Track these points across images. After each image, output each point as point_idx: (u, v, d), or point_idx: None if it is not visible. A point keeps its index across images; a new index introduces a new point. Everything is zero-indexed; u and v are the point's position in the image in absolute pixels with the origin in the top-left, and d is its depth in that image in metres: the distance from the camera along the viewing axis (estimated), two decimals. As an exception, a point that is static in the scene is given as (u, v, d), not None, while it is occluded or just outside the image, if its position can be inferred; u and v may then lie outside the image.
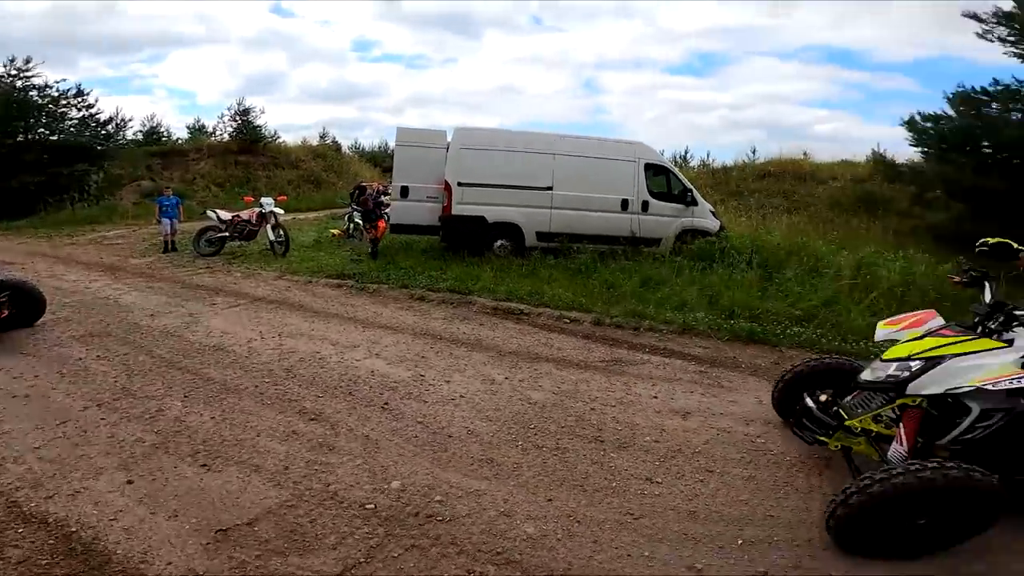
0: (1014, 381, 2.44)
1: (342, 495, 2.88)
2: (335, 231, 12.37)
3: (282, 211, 10.58)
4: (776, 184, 16.79)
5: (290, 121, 67.23)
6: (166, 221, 10.88)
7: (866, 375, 2.83)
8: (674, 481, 3.10)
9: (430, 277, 7.76)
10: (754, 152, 19.98)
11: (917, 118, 10.00)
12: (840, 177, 16.41)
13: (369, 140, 42.75)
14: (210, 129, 26.37)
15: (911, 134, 10.21)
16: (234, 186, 21.20)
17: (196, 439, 3.42)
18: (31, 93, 19.63)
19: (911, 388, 2.62)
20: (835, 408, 2.96)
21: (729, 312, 6.32)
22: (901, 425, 2.70)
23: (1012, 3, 8.98)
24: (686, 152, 20.46)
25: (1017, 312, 2.63)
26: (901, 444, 2.66)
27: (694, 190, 9.49)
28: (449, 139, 9.30)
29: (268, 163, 24.00)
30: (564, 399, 4.16)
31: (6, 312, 5.25)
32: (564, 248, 8.85)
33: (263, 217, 10.26)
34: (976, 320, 2.77)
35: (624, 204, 9.14)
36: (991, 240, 2.96)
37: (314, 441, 3.44)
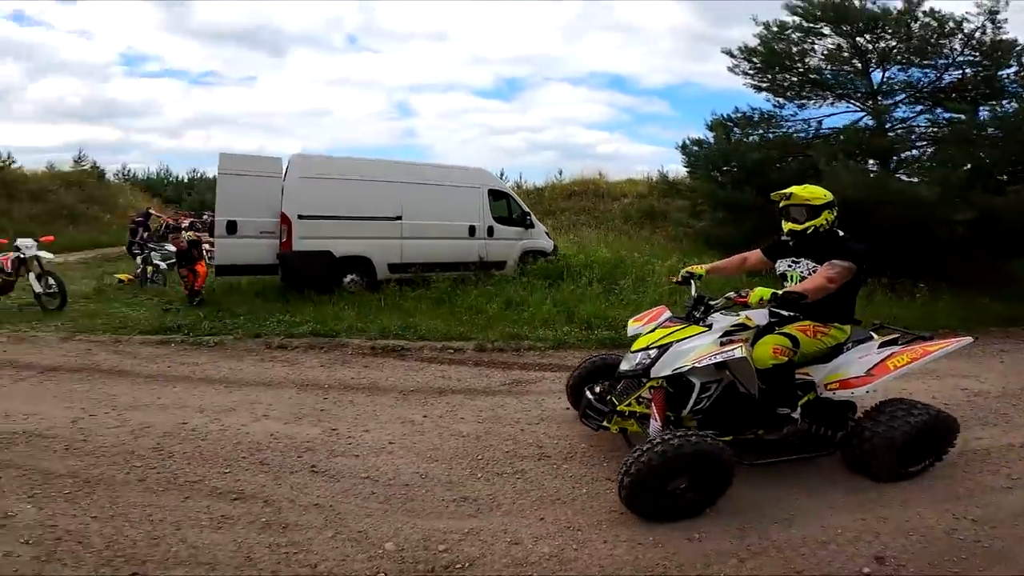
0: (715, 357, 2.96)
1: (341, 573, 2.47)
2: (123, 276, 10.17)
3: (49, 255, 8.36)
4: (580, 202, 18.88)
5: (23, 143, 53.36)
6: None
7: (623, 366, 3.27)
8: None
9: (281, 322, 6.93)
10: (560, 173, 22.25)
11: (688, 142, 12.24)
12: (628, 194, 19.18)
13: (141, 165, 36.02)
14: None
15: (683, 156, 12.42)
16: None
17: (94, 542, 2.60)
18: None
19: (653, 372, 3.07)
20: (609, 396, 3.40)
21: (587, 324, 6.96)
22: (652, 404, 3.19)
23: (757, 40, 11.47)
24: (502, 174, 21.67)
25: (711, 302, 3.26)
26: (656, 420, 3.13)
27: (531, 213, 10.22)
28: (284, 167, 8.48)
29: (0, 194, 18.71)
30: (492, 426, 4.12)
31: None
32: (417, 278, 8.73)
33: (21, 263, 7.99)
34: (687, 312, 3.34)
35: (472, 230, 9.39)
36: (683, 272, 3.72)
37: (258, 522, 2.84)
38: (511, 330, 6.59)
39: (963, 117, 9.69)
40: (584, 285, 8.48)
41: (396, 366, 5.64)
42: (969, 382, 5.47)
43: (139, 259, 10.12)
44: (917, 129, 11.02)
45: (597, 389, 3.48)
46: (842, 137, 10.81)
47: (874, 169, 10.48)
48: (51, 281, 7.98)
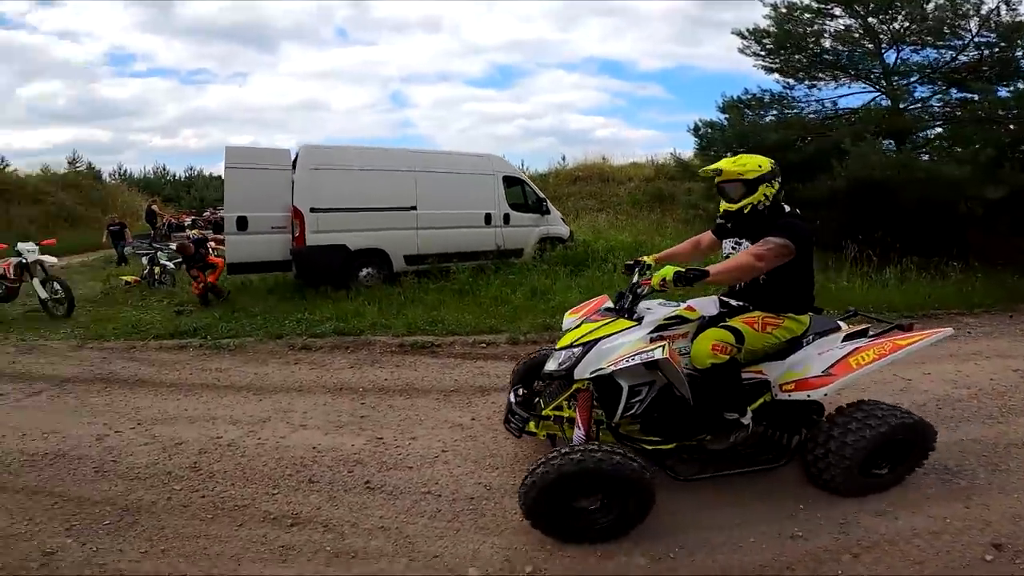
0: (633, 358, 2.50)
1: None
2: (128, 277, 9.78)
3: (53, 259, 8.00)
4: (586, 187, 18.53)
5: (14, 146, 52.29)
6: None
7: (549, 365, 2.80)
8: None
9: (301, 321, 6.59)
10: (564, 159, 21.88)
11: (699, 124, 11.91)
12: (634, 177, 18.83)
13: (136, 165, 35.40)
14: None
15: (696, 138, 12.10)
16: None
17: None
18: None
19: (576, 373, 2.63)
20: (537, 399, 3.09)
21: (617, 311, 6.67)
22: (576, 409, 2.79)
23: (769, 20, 11.14)
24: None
25: (638, 291, 2.79)
26: (579, 427, 2.74)
27: (546, 200, 9.86)
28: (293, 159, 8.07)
29: (-6, 198, 18.21)
30: (547, 428, 3.84)
31: None
32: (435, 269, 8.40)
33: (24, 269, 7.62)
34: (617, 302, 2.91)
35: (488, 218, 9.04)
36: (629, 261, 3.30)
37: (323, 551, 2.55)
38: (541, 320, 6.28)
39: (978, 97, 9.42)
40: (609, 271, 8.17)
41: (429, 364, 5.33)
42: (1018, 362, 5.21)
43: (145, 260, 9.72)
44: (930, 109, 10.71)
45: (521, 392, 3.13)
46: (859, 116, 10.48)
47: (893, 149, 10.16)
48: (56, 286, 7.61)
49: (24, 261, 7.54)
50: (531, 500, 2.41)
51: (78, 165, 24.86)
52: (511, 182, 9.54)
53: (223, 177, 7.99)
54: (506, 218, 9.24)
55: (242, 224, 7.64)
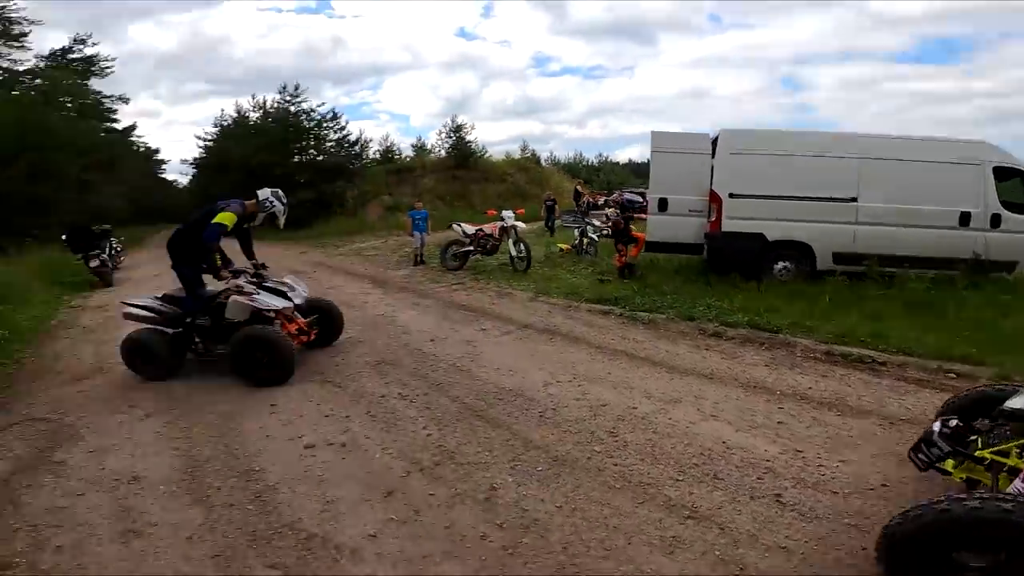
0: None
1: None
2: (563, 245, 11.82)
3: (523, 225, 10.31)
4: None
5: (485, 138, 71.72)
6: (417, 235, 11.37)
7: (1015, 403, 2.40)
8: None
9: (711, 307, 6.51)
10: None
11: None
12: None
13: (562, 152, 43.40)
14: (429, 147, 28.68)
15: None
16: (453, 199, 22.47)
17: (552, 541, 2.58)
18: (301, 118, 23.13)
19: None
20: (973, 437, 2.50)
21: None
22: None
23: None
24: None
25: None
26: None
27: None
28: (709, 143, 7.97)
29: (479, 177, 25.15)
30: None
31: (313, 334, 5.34)
32: (872, 273, 6.93)
33: (504, 231, 10.07)
34: None
35: (964, 218, 6.87)
36: None
37: (711, 554, 2.44)
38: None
39: None
40: None
41: (868, 382, 4.41)
42: None
43: (577, 232, 11.52)
44: None
45: (952, 423, 2.53)
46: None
47: None
48: (522, 247, 9.80)
49: (505, 225, 9.97)
50: (901, 536, 2.01)
51: (526, 152, 31.56)
52: (1006, 174, 6.94)
53: (649, 160, 8.52)
54: (994, 220, 6.80)
55: (663, 205, 8.03)
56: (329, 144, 23.60)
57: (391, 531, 2.70)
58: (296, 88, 23.32)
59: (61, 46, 23.69)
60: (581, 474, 3.18)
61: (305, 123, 23.30)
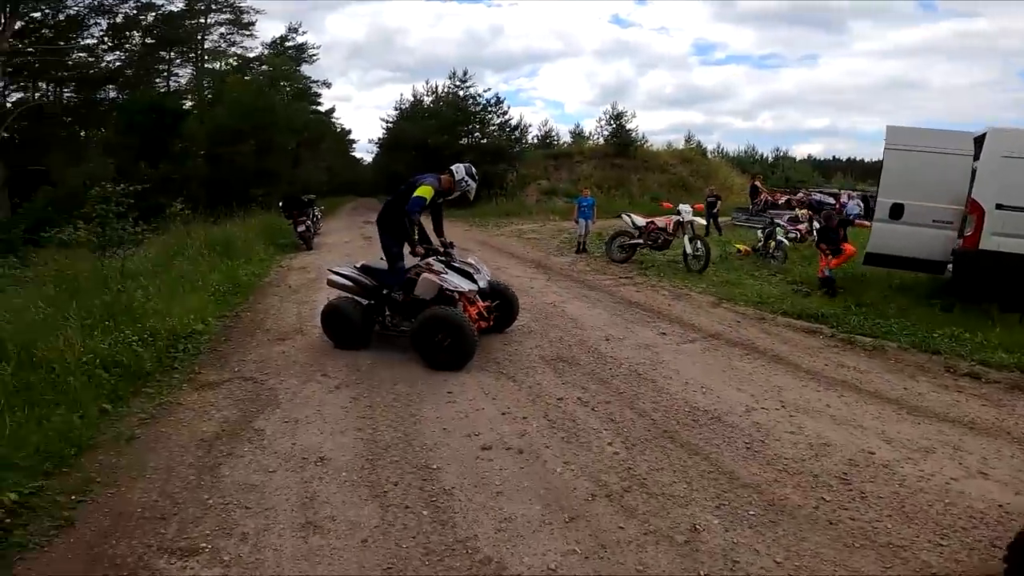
0: None
1: None
2: (741, 246, 10.51)
3: (702, 220, 9.33)
4: None
5: (643, 127, 68.73)
6: (582, 221, 10.96)
7: None
8: None
9: (957, 339, 5.14)
10: None
11: None
12: None
13: (729, 144, 39.61)
14: (587, 134, 28.06)
15: None
16: (611, 187, 21.68)
17: None
18: (468, 102, 24.03)
19: None
20: None
21: None
22: None
23: None
24: None
25: None
26: None
27: None
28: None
29: (639, 166, 23.97)
30: None
31: (492, 319, 5.16)
32: None
33: (679, 226, 9.17)
34: None
35: None
36: None
37: None
38: None
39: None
40: None
41: None
42: None
43: (761, 232, 10.15)
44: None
45: None
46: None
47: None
48: (699, 245, 8.84)
49: (682, 220, 9.07)
50: None
51: (691, 143, 29.21)
52: None
53: (882, 159, 7.00)
54: None
55: (896, 212, 6.55)
56: (492, 128, 24.20)
57: (573, 566, 2.34)
58: (464, 74, 24.18)
59: (280, 35, 27.39)
60: (806, 525, 2.59)
61: (472, 107, 24.12)
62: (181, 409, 3.86)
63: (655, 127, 71.14)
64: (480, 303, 5.01)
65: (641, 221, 9.61)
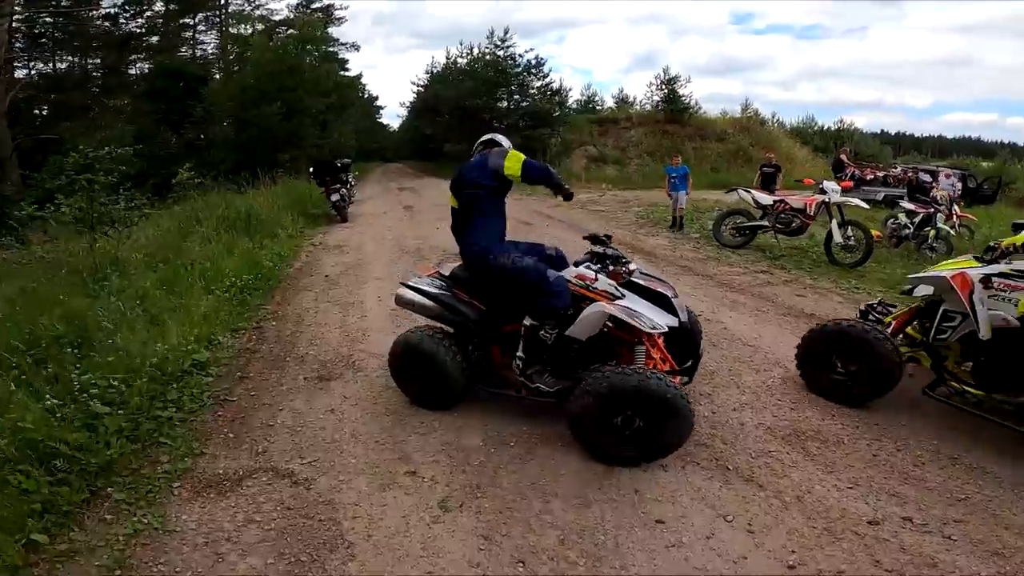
0: None
1: None
2: (875, 232, 8.07)
3: (857, 201, 6.98)
4: None
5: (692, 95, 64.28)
6: (674, 194, 8.67)
7: None
8: None
9: None
10: None
11: None
12: None
13: (789, 115, 35.74)
14: (632, 99, 25.20)
15: None
16: (663, 156, 19.05)
17: None
18: (508, 63, 21.36)
19: None
20: None
21: None
22: None
23: None
24: None
25: None
26: None
27: None
28: None
29: (694, 134, 21.16)
30: None
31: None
32: None
33: (824, 207, 6.82)
34: None
35: None
36: None
37: None
38: None
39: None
40: None
41: None
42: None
43: (902, 216, 7.71)
44: None
45: None
46: None
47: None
48: (851, 232, 6.51)
49: (828, 200, 6.71)
50: None
51: (748, 111, 25.99)
52: None
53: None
54: None
55: None
56: (532, 91, 21.61)
57: None
58: (505, 32, 21.38)
59: (304, -5, 24.64)
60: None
61: (511, 69, 21.50)
62: (168, 553, 1.88)
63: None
64: (660, 345, 2.83)
65: (767, 199, 7.26)
